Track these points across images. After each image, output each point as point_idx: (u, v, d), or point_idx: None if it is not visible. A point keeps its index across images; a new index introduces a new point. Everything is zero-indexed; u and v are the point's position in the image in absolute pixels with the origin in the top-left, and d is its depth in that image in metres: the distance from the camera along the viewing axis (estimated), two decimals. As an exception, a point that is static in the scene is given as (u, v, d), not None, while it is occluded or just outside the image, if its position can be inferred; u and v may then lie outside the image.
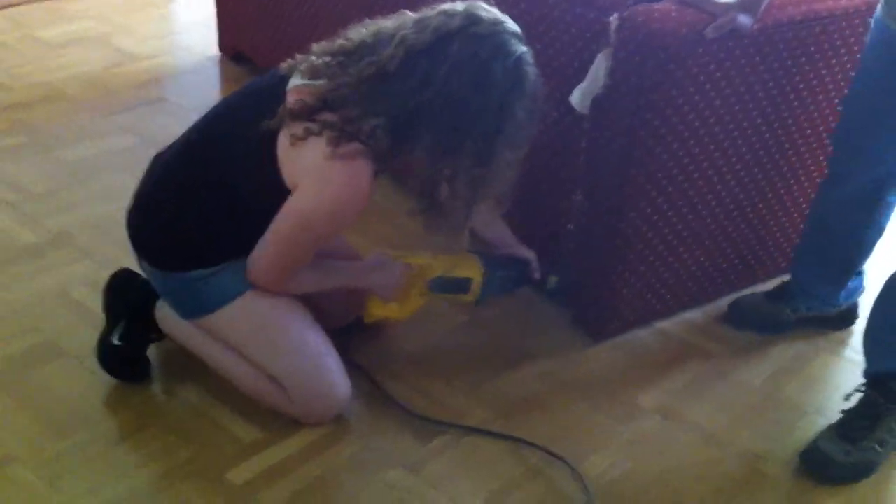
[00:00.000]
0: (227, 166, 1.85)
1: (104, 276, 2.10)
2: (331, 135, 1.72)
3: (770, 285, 2.39)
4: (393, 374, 2.11)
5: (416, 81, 1.70)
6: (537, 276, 2.11)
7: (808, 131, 2.24)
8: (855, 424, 1.94)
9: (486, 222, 2.10)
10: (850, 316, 2.34)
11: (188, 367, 2.03)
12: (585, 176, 2.15)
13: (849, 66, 2.17)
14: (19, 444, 1.87)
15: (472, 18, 1.71)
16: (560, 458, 1.91)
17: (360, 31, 1.83)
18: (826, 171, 2.19)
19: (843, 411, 1.99)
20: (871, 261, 2.25)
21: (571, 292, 2.22)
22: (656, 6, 1.95)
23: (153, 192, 1.93)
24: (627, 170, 2.05)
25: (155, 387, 2.04)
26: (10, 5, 3.94)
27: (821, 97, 2.20)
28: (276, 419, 1.94)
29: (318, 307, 1.98)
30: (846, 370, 2.22)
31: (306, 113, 1.75)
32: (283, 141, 1.76)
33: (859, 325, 2.28)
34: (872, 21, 1.96)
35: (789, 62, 2.08)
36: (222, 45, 3.57)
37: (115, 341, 2.01)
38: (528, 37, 1.79)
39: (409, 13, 1.80)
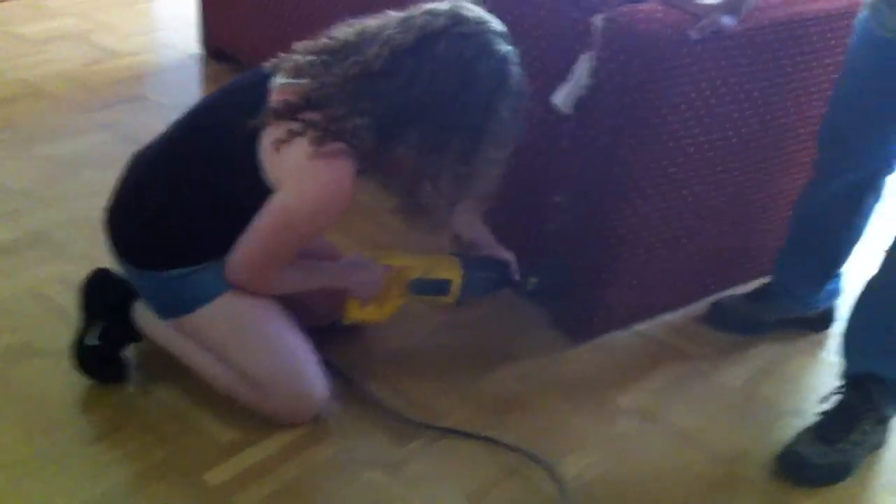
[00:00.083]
0: (208, 164, 1.84)
1: (81, 274, 2.08)
2: (314, 134, 1.72)
3: (750, 287, 2.40)
4: (372, 374, 2.10)
5: (401, 80, 1.70)
6: (517, 277, 2.10)
7: (790, 134, 2.25)
8: (832, 426, 1.95)
9: (466, 223, 2.10)
10: (828, 318, 2.35)
11: (165, 367, 2.02)
12: (567, 177, 2.15)
13: (831, 68, 2.17)
14: (-7, 443, 1.86)
15: (456, 18, 1.71)
16: (538, 461, 1.91)
17: (344, 30, 1.82)
18: (810, 173, 2.20)
19: (820, 413, 2.00)
20: (849, 264, 2.25)
21: (551, 294, 2.22)
22: (640, 7, 1.95)
23: (133, 190, 1.92)
24: (609, 171, 2.05)
25: (131, 387, 2.03)
26: (-9, 1, 3.92)
27: (803, 99, 2.20)
28: (253, 420, 1.93)
29: (298, 307, 1.97)
30: (824, 372, 2.23)
31: (290, 112, 1.74)
32: (265, 141, 1.75)
33: (837, 328, 2.29)
34: (856, 23, 1.96)
35: (772, 64, 2.09)
36: (204, 42, 3.56)
37: (92, 341, 1.99)
38: (513, 36, 1.78)
39: (394, 13, 1.79)
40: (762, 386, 2.19)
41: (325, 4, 2.79)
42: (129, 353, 2.06)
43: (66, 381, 2.00)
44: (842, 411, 1.97)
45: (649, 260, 2.21)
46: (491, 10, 1.78)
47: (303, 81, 1.77)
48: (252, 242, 1.81)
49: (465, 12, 1.73)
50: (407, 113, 1.72)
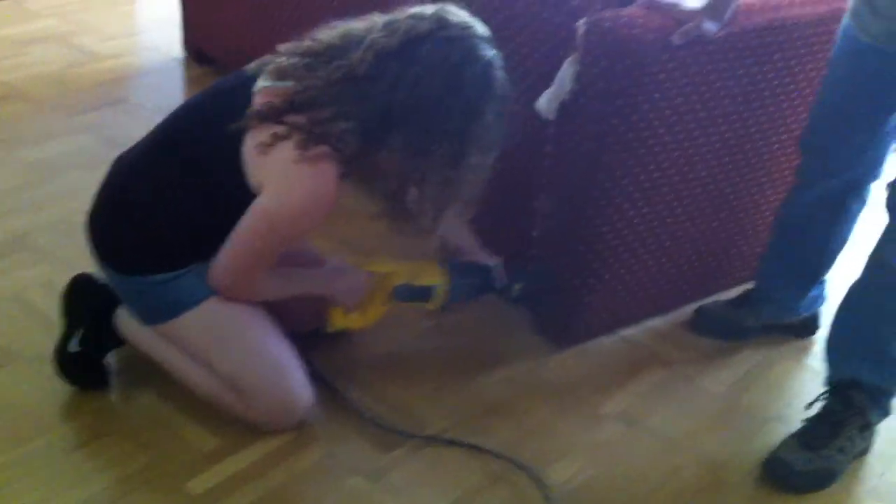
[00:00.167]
0: (191, 168, 1.83)
1: (62, 279, 2.06)
2: (299, 138, 1.71)
3: (734, 293, 2.40)
4: (356, 380, 2.09)
5: (385, 84, 1.70)
6: (502, 282, 2.10)
7: (774, 139, 2.26)
8: (816, 433, 1.95)
9: (451, 228, 2.09)
10: (812, 324, 2.36)
11: (148, 373, 2.00)
12: (551, 182, 2.15)
13: (814, 73, 2.18)
14: (-28, 451, 1.84)
15: (441, 22, 1.71)
16: (523, 467, 1.90)
17: (328, 33, 1.82)
18: (793, 179, 2.21)
19: (805, 420, 2.00)
20: (834, 271, 2.26)
21: (536, 299, 2.21)
22: (623, 12, 1.95)
23: (115, 194, 1.91)
24: (593, 176, 2.04)
25: (113, 393, 2.01)
26: (-30, 3, 3.89)
27: (785, 105, 2.21)
28: (236, 427, 1.92)
29: (282, 313, 1.95)
30: (808, 378, 2.24)
31: (273, 115, 1.74)
32: (249, 144, 1.75)
33: (821, 334, 2.29)
34: (840, 29, 1.97)
35: (755, 69, 2.09)
36: (187, 44, 3.54)
37: (74, 347, 1.97)
38: (496, 40, 1.78)
39: (378, 16, 1.79)
40: (747, 392, 2.19)
41: (308, 7, 2.78)
42: (112, 359, 2.04)
43: (48, 386, 1.98)
44: (826, 418, 1.97)
45: (634, 265, 2.21)
46: (475, 15, 1.78)
47: (286, 84, 1.77)
48: (235, 245, 1.80)
49: (449, 17, 1.73)
50: (391, 116, 1.71)
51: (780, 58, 2.11)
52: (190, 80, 3.47)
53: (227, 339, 1.88)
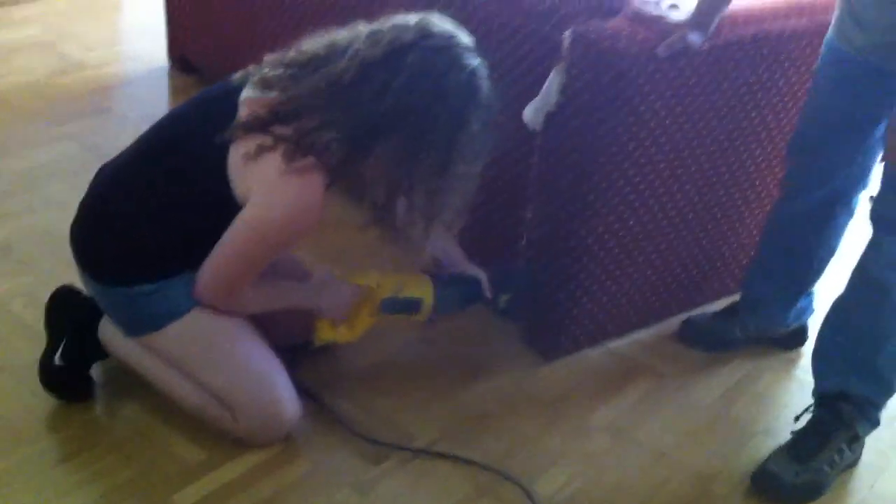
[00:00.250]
0: (176, 178, 1.82)
1: (44, 289, 2.05)
2: (285, 149, 1.70)
3: (722, 305, 2.40)
4: (343, 392, 2.08)
5: (371, 93, 1.69)
6: (488, 294, 2.09)
7: (759, 152, 2.26)
8: (805, 445, 1.96)
9: (437, 240, 2.08)
10: (799, 336, 2.36)
11: (133, 385, 1.98)
12: (536, 193, 2.15)
13: (798, 85, 2.19)
14: (-46, 465, 1.82)
15: (425, 32, 1.72)
16: (511, 479, 1.89)
17: (312, 43, 1.82)
18: (778, 191, 2.21)
19: (793, 432, 2.00)
20: (821, 283, 2.26)
21: (523, 311, 2.21)
22: (609, 24, 1.95)
23: (99, 205, 1.89)
24: (578, 187, 2.04)
25: (98, 406, 1.99)
26: (-47, 11, 3.86)
27: (770, 117, 2.22)
28: (222, 440, 1.90)
29: (268, 326, 1.94)
30: (796, 390, 2.24)
31: (259, 126, 1.73)
32: (234, 155, 1.74)
33: (809, 346, 2.29)
34: (824, 42, 1.98)
35: (739, 81, 2.10)
36: (172, 54, 3.52)
37: (58, 361, 1.96)
38: (482, 51, 1.78)
39: (362, 26, 1.79)
40: (734, 403, 2.19)
41: (293, 17, 2.77)
42: (97, 371, 2.02)
43: (31, 398, 1.97)
44: (814, 430, 1.98)
45: (620, 277, 2.21)
46: (459, 25, 1.78)
47: (271, 94, 1.76)
48: (221, 256, 1.79)
49: (433, 26, 1.73)
50: (378, 125, 1.71)
51: (764, 70, 2.12)
52: (174, 90, 3.46)
53: (213, 351, 1.87)
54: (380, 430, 1.99)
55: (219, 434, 1.90)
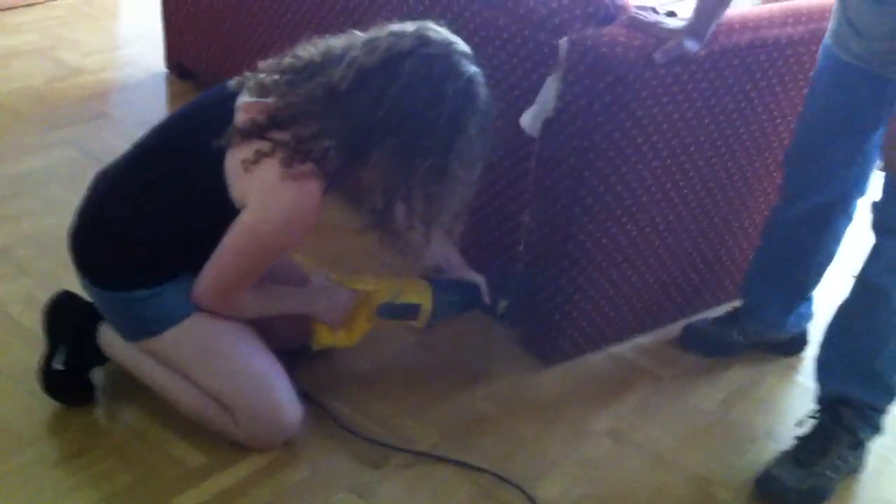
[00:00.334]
0: (173, 183, 1.82)
1: (44, 293, 2.05)
2: (283, 154, 1.71)
3: (722, 310, 2.40)
4: (341, 396, 2.08)
5: (368, 99, 1.70)
6: (487, 300, 2.09)
7: (756, 158, 2.27)
8: (808, 450, 1.96)
9: (435, 245, 2.08)
10: (799, 342, 2.36)
11: (133, 389, 1.98)
12: (534, 198, 2.15)
13: (793, 92, 2.20)
14: (-47, 469, 1.81)
15: (422, 39, 1.72)
16: (512, 483, 1.89)
17: (309, 50, 1.82)
18: (776, 196, 2.22)
19: (797, 437, 2.00)
20: (821, 289, 2.26)
21: (521, 315, 2.21)
22: (605, 30, 1.96)
23: (97, 209, 1.89)
24: (576, 192, 2.05)
25: (97, 409, 1.99)
26: (-49, 17, 3.86)
27: (767, 123, 2.22)
28: (222, 444, 1.90)
29: (267, 330, 1.94)
30: (797, 395, 2.24)
31: (256, 131, 1.73)
32: (231, 159, 1.74)
33: (811, 351, 2.30)
34: (821, 49, 1.99)
35: (736, 87, 2.10)
36: (169, 59, 3.52)
37: (58, 366, 1.95)
38: (479, 58, 1.79)
39: (359, 33, 1.79)
40: (735, 408, 2.20)
41: (290, 23, 2.78)
42: (97, 375, 2.02)
43: (28, 402, 1.97)
44: (817, 435, 1.98)
45: (619, 282, 2.21)
46: (457, 33, 1.79)
47: (268, 100, 1.77)
48: (219, 262, 1.79)
49: (431, 34, 1.73)
50: (375, 131, 1.71)
51: (761, 76, 2.13)
52: (171, 95, 3.45)
53: (212, 355, 1.87)
54: (378, 433, 1.99)
55: (218, 438, 1.90)
